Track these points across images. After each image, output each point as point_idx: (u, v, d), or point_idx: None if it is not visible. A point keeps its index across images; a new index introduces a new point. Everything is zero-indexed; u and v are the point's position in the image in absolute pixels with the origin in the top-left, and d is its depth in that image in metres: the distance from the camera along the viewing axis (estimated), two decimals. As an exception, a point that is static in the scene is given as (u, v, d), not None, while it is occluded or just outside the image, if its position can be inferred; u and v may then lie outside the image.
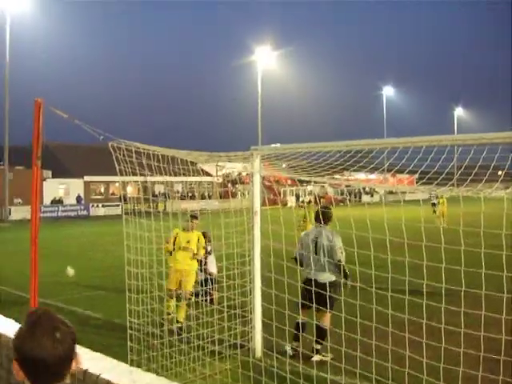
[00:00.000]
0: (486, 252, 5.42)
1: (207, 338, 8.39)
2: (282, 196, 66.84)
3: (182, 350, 8.23)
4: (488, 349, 5.61)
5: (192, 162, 9.35)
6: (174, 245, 11.26)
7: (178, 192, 62.74)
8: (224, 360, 8.36)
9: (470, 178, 7.04)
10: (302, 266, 9.53)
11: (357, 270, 7.09)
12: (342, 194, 64.37)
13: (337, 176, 7.64)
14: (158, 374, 5.73)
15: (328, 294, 8.49)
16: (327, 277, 9.10)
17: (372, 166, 8.31)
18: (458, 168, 7.38)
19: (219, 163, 11.20)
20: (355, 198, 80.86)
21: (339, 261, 9.09)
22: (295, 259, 9.57)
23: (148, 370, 5.26)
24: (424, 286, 5.84)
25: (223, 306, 8.62)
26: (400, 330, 6.59)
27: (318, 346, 8.93)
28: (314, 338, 8.80)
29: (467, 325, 5.70)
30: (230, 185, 63.20)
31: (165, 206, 40.21)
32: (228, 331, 8.60)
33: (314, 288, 8.29)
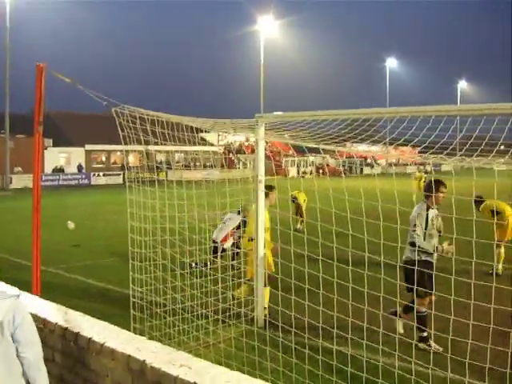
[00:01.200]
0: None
1: (211, 306, 8.35)
2: (283, 167, 66.73)
3: (186, 318, 8.19)
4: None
5: (195, 131, 9.23)
6: None
7: (179, 162, 62.66)
8: (228, 329, 8.33)
9: (480, 148, 6.94)
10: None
11: (365, 240, 6.99)
12: (344, 165, 64.19)
13: (339, 147, 7.50)
14: (161, 342, 5.69)
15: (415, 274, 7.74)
16: (409, 254, 8.40)
17: (374, 138, 8.14)
18: (463, 143, 7.25)
19: (221, 132, 11.14)
20: (356, 170, 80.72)
21: (412, 236, 8.36)
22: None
23: (151, 339, 5.19)
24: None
25: (228, 275, 8.58)
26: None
27: (424, 334, 8.00)
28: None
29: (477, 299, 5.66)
30: (231, 155, 63.07)
31: (166, 174, 40.24)
32: (232, 300, 8.56)
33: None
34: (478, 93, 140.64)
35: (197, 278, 8.63)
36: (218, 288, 8.29)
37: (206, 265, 11.15)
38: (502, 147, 6.86)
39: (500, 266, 13.82)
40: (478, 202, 14.39)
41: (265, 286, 9.33)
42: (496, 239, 13.11)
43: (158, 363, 4.26)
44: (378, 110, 7.44)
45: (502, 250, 13.91)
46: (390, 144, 9.32)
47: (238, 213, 12.91)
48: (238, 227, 12.62)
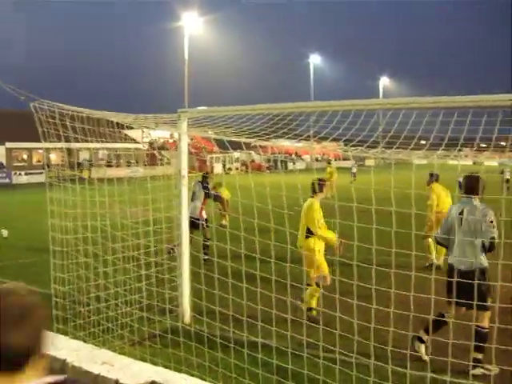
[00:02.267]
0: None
1: (135, 303, 8.27)
2: (208, 163, 66.56)
3: (110, 316, 8.08)
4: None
5: (118, 126, 9.11)
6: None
7: (102, 159, 61.69)
8: (153, 326, 8.26)
9: (399, 141, 7.06)
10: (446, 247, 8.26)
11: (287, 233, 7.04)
12: (269, 161, 64.47)
13: (264, 143, 7.51)
14: (85, 341, 5.59)
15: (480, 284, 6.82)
16: (473, 263, 7.52)
17: (296, 132, 8.15)
18: (384, 137, 7.37)
19: (145, 130, 11.03)
20: (282, 165, 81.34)
21: (492, 238, 7.46)
22: (437, 241, 8.62)
23: (75, 339, 5.10)
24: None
25: (152, 272, 8.50)
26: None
27: (479, 356, 7.34)
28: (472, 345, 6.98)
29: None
30: (155, 152, 62.56)
31: (90, 172, 39.45)
32: (157, 296, 8.49)
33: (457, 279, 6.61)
34: (399, 88, 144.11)
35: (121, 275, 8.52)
36: (143, 285, 8.22)
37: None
38: (423, 142, 7.02)
39: (438, 257, 14.08)
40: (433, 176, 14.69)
41: (317, 285, 9.08)
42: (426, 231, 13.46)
43: (80, 362, 4.19)
44: (299, 104, 7.52)
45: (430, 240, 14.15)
46: (314, 139, 9.38)
47: (200, 182, 14.20)
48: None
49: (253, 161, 72.49)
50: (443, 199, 14.40)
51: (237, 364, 6.70)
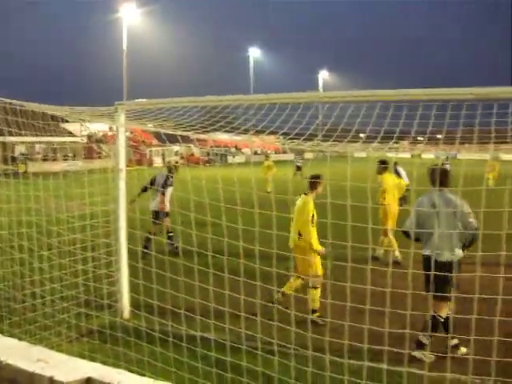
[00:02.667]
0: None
1: (72, 299, 8.14)
2: (148, 157, 66.10)
3: (46, 313, 7.94)
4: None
5: (54, 119, 8.94)
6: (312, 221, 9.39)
7: (39, 153, 60.52)
8: (91, 322, 8.15)
9: (335, 134, 7.11)
10: (417, 241, 8.09)
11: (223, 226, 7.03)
12: (209, 154, 64.53)
13: (204, 136, 7.47)
14: (20, 339, 5.46)
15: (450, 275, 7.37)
16: (448, 255, 7.75)
17: (233, 125, 8.10)
18: (324, 130, 7.41)
19: (83, 123, 10.84)
20: (221, 159, 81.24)
21: (476, 229, 7.52)
22: (405, 234, 8.26)
23: (11, 336, 4.97)
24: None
25: (89, 267, 8.37)
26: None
27: (426, 340, 7.68)
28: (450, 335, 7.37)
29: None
30: (94, 145, 61.67)
31: (26, 167, 38.57)
32: (94, 292, 8.38)
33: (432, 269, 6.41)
34: (338, 82, 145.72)
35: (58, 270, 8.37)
36: (80, 281, 8.10)
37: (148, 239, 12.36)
38: (362, 135, 7.09)
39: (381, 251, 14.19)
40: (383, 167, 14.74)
41: (314, 288, 8.93)
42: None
43: (14, 360, 4.08)
44: (238, 97, 7.50)
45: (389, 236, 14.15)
46: (253, 132, 9.35)
47: (163, 175, 14.32)
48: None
49: (192, 154, 72.29)
50: (392, 191, 14.35)
51: (176, 358, 6.68)
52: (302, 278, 9.14)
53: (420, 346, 7.73)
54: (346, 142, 6.42)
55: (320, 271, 9.18)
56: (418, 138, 7.20)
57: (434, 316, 7.74)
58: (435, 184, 7.87)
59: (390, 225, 14.07)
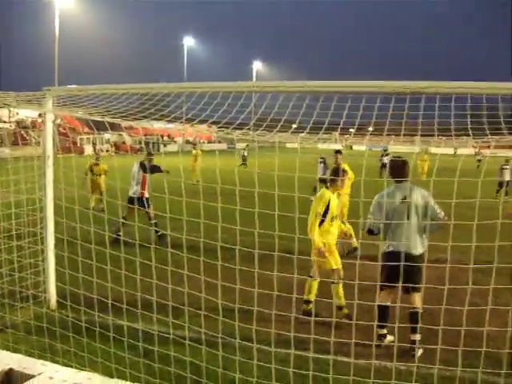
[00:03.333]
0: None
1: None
2: (78, 144, 64.82)
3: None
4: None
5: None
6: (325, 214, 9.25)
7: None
8: (15, 313, 7.96)
9: (265, 124, 7.11)
10: (373, 234, 8.08)
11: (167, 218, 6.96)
12: (140, 142, 63.66)
13: (137, 124, 7.35)
14: None
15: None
16: (421, 247, 7.88)
17: (163, 112, 7.97)
18: (259, 120, 7.37)
19: (11, 108, 10.53)
20: (153, 147, 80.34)
21: (444, 216, 7.76)
22: (369, 231, 8.14)
23: None
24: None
25: (13, 256, 8.17)
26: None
27: (417, 336, 7.64)
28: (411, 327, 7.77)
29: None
30: (22, 131, 60.15)
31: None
32: (20, 282, 8.18)
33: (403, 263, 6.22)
34: (271, 72, 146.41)
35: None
36: (4, 271, 7.91)
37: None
38: (294, 126, 7.10)
39: None
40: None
41: (337, 283, 8.80)
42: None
43: None
44: (170, 85, 7.41)
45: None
46: (186, 121, 9.25)
47: (140, 162, 14.61)
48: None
49: (124, 142, 71.36)
50: (349, 181, 14.29)
51: (103, 348, 6.59)
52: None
53: (382, 336, 7.94)
54: (275, 131, 6.43)
55: (330, 264, 8.94)
56: (350, 130, 7.27)
57: (414, 311, 7.72)
58: (399, 176, 7.92)
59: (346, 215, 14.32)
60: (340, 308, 8.76)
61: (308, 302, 8.70)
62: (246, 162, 45.10)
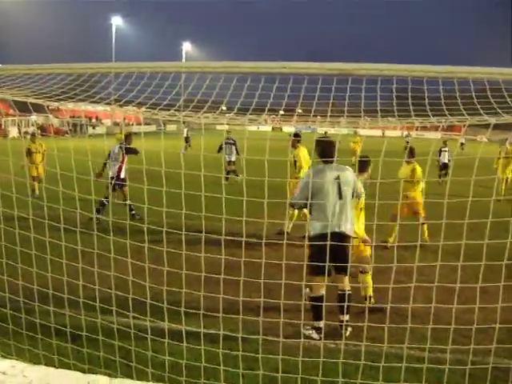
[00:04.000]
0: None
1: None
2: (2, 127, 63.06)
3: None
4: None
5: None
6: None
7: None
8: None
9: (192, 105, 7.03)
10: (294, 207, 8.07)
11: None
12: (69, 124, 62.42)
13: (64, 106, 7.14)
14: None
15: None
16: (351, 226, 7.90)
17: (88, 94, 7.76)
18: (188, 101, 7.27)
19: None
20: (81, 130, 78.71)
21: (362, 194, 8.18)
22: (293, 205, 8.27)
23: None
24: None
25: None
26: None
27: (347, 317, 7.79)
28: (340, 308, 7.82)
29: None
30: None
31: None
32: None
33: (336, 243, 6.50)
34: (201, 54, 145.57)
35: None
36: None
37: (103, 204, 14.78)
38: (223, 108, 7.04)
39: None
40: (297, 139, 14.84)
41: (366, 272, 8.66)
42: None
43: None
44: (90, 65, 7.22)
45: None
46: (113, 102, 9.03)
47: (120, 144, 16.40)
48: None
49: (51, 124, 69.72)
50: (307, 164, 14.37)
51: (30, 335, 6.49)
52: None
53: (318, 329, 7.83)
54: (202, 112, 6.37)
55: (365, 252, 8.84)
56: (281, 112, 7.28)
57: (343, 292, 7.75)
58: (326, 156, 7.85)
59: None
60: (366, 298, 8.70)
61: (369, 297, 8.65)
62: (190, 143, 45.35)
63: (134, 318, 6.04)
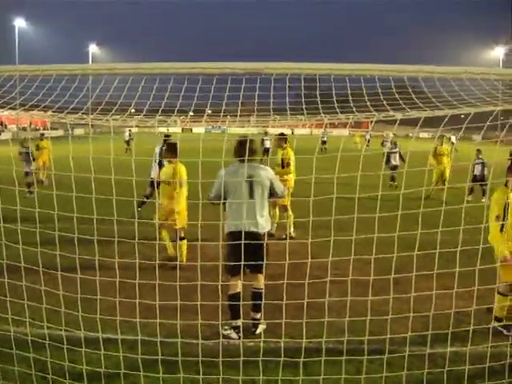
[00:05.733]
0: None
1: None
2: None
3: None
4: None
5: None
6: None
7: None
8: None
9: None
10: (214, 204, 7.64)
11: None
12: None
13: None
14: None
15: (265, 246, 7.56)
16: (265, 225, 7.93)
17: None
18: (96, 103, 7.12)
19: None
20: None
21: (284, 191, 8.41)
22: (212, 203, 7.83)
23: None
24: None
25: None
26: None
27: (258, 315, 7.85)
28: (251, 306, 7.85)
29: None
30: None
31: None
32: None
33: (246, 241, 6.64)
34: (107, 56, 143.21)
35: None
36: None
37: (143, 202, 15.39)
38: (132, 110, 6.95)
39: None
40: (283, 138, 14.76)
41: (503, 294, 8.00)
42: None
43: None
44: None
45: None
46: (20, 107, 8.75)
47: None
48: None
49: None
50: (294, 163, 14.49)
51: None
52: None
53: (237, 328, 7.71)
54: (111, 115, 6.27)
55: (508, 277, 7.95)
56: (191, 114, 7.25)
57: (257, 291, 7.74)
58: (244, 155, 7.47)
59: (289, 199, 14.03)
60: (498, 319, 8.06)
61: (499, 319, 8.01)
62: (131, 146, 45.67)
63: (48, 327, 5.90)
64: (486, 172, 21.50)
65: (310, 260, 5.36)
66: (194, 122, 7.73)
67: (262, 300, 7.30)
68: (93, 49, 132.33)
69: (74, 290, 5.76)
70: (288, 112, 6.22)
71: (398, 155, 27.68)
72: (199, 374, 5.64)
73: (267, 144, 37.92)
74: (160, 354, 5.70)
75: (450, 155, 23.46)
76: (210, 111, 7.08)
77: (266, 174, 8.04)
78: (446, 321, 5.99)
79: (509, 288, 8.02)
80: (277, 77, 5.61)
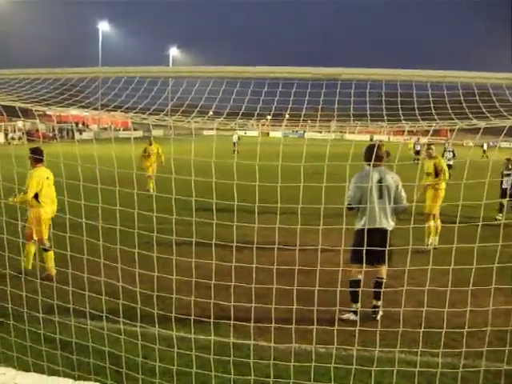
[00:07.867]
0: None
1: None
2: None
3: None
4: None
5: None
6: None
7: None
8: None
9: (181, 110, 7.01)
10: (351, 210, 8.68)
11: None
12: (54, 130, 61.94)
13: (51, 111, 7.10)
14: None
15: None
16: (392, 223, 8.70)
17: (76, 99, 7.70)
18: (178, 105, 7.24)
19: None
20: (67, 135, 78.15)
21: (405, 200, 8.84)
22: (350, 209, 8.65)
23: None
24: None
25: None
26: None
27: (379, 302, 8.59)
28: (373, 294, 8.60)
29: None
30: None
31: None
32: None
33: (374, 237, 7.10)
34: (188, 59, 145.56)
35: None
36: None
37: None
38: (211, 113, 7.03)
39: None
40: None
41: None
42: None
43: None
44: (83, 69, 7.19)
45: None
46: (102, 108, 8.96)
47: None
48: None
49: (37, 130, 69.28)
50: None
51: (18, 342, 6.41)
52: None
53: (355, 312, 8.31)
54: (192, 117, 6.36)
55: None
56: (267, 117, 7.28)
57: (380, 280, 8.60)
58: (370, 160, 8.32)
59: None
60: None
61: None
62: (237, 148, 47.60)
63: (124, 323, 6.01)
64: None
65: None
66: (272, 125, 7.75)
67: (382, 288, 8.38)
68: (173, 52, 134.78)
69: (150, 287, 5.87)
70: (368, 118, 6.16)
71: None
72: (269, 378, 5.64)
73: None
74: (232, 356, 5.72)
75: None
76: (288, 115, 7.09)
77: (393, 178, 8.70)
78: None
79: None
80: (357, 82, 5.58)
